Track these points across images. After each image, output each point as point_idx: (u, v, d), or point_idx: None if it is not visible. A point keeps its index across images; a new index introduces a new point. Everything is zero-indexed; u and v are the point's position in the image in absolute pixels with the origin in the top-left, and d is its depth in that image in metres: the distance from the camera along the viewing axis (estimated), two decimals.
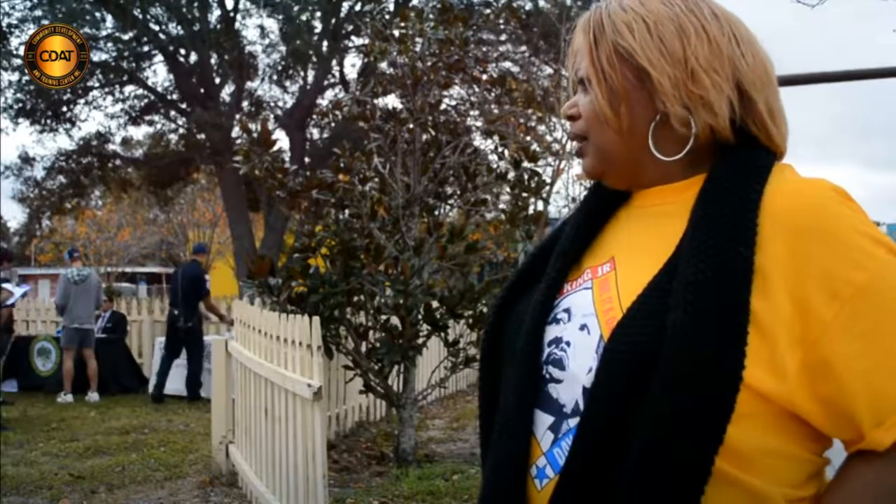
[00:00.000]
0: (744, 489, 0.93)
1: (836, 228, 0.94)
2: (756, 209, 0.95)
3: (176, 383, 9.49)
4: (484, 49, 14.05)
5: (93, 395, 9.34)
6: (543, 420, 1.01)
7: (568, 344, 1.02)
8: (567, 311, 1.06)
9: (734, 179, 0.99)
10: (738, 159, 1.02)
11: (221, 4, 17.42)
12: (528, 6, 15.83)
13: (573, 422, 0.98)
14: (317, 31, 17.11)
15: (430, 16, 6.02)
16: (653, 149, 1.05)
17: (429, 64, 5.82)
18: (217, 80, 18.19)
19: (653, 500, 0.90)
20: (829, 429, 0.95)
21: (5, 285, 9.13)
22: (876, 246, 0.94)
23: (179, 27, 17.48)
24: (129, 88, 18.68)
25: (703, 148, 1.04)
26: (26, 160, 18.89)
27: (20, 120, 17.38)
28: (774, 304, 0.91)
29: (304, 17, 16.61)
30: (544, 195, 6.42)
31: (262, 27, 18.13)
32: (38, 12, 16.01)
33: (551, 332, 1.06)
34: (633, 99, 1.04)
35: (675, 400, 0.89)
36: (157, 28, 17.68)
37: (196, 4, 16.87)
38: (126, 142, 21.33)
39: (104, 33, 17.17)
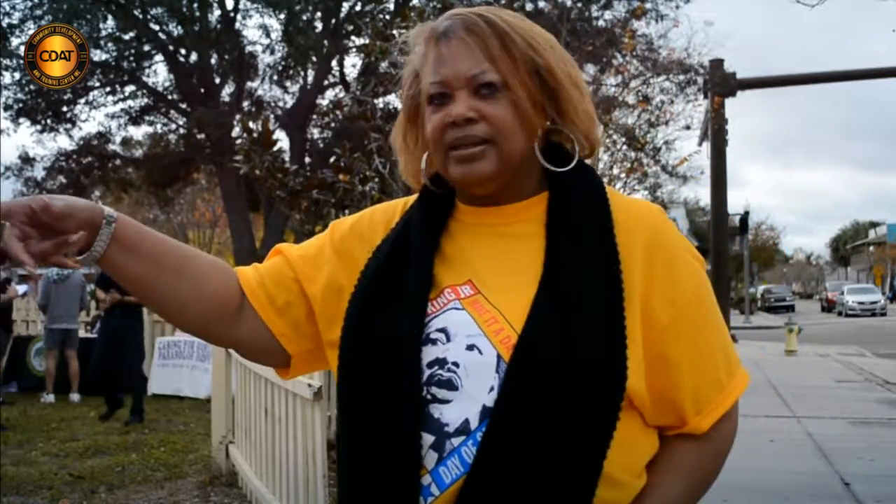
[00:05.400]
0: (605, 479, 1.00)
1: (671, 245, 1.09)
2: (613, 227, 1.06)
3: (176, 383, 9.49)
4: None
5: (74, 396, 9.34)
6: (425, 440, 1.02)
7: (456, 364, 1.03)
8: (443, 331, 1.05)
9: (585, 198, 1.09)
10: (579, 178, 1.10)
11: (221, 4, 17.40)
12: (529, 7, 15.82)
13: (457, 440, 1.00)
14: (317, 30, 17.08)
15: (431, 16, 6.01)
16: (541, 159, 1.09)
17: None
18: (217, 80, 18.17)
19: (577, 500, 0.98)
20: (652, 415, 1.06)
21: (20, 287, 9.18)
22: (693, 258, 1.10)
23: (179, 27, 17.46)
24: (129, 88, 18.66)
25: (540, 165, 1.11)
26: (26, 160, 18.85)
27: (20, 120, 17.38)
28: (633, 309, 1.03)
29: (304, 17, 16.58)
30: None
31: (262, 27, 18.01)
32: (39, 12, 15.99)
33: (429, 353, 1.05)
34: (536, 111, 1.09)
35: (587, 406, 0.98)
36: (157, 28, 17.65)
37: (196, 4, 16.84)
38: (126, 142, 21.29)
39: (104, 33, 17.15)
